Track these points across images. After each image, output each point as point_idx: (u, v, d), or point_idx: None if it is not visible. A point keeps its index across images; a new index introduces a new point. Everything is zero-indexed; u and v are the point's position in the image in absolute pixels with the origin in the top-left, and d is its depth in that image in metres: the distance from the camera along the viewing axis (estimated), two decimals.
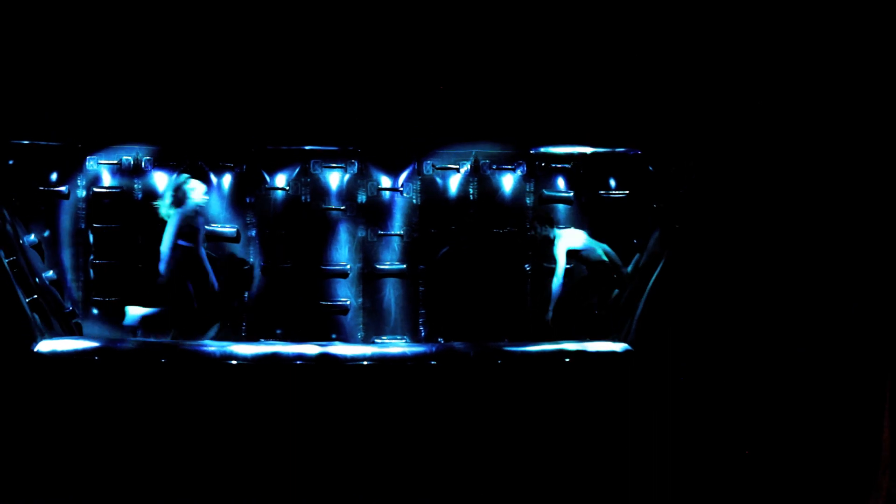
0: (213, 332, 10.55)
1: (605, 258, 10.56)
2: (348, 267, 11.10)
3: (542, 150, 11.10)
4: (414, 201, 11.12)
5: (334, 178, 11.10)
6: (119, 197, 10.86)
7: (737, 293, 8.93)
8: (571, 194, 11.15)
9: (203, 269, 10.23)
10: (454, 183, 11.16)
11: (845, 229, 8.27)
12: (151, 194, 10.80)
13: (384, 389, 8.76)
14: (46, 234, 10.65)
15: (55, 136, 10.43)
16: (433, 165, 11.14)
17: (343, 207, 11.08)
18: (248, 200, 11.02)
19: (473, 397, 8.74)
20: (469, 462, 8.47)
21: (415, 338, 11.00)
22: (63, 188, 10.73)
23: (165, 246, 9.91)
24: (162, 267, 9.92)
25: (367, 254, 11.12)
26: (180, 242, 9.99)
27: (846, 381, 8.00)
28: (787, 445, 8.32)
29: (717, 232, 9.22)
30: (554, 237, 10.56)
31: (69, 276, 10.78)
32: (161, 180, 10.85)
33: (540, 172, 11.23)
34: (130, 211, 10.87)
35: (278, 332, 10.82)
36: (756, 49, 9.05)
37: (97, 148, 10.84)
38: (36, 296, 9.64)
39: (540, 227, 10.63)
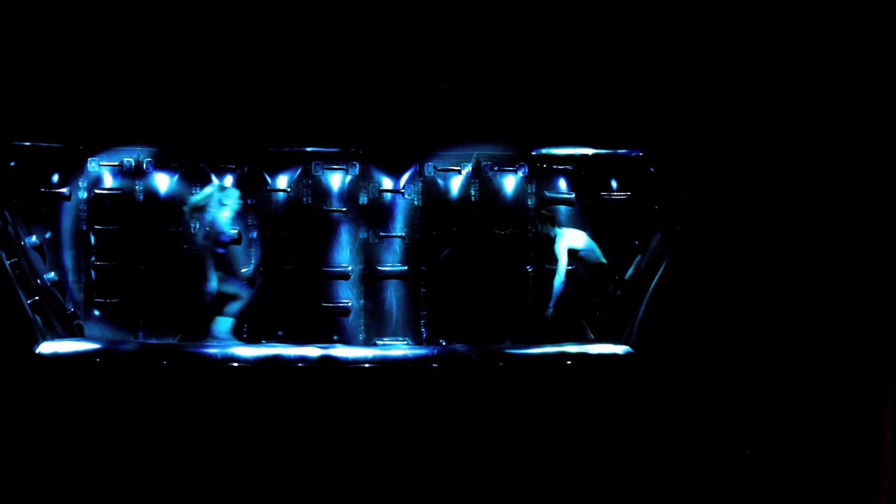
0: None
1: (604, 260, 10.55)
2: (350, 269, 11.10)
3: (544, 151, 11.10)
4: (415, 203, 11.12)
5: (336, 180, 11.10)
6: (120, 198, 10.87)
7: (738, 294, 8.92)
8: (573, 196, 11.15)
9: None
10: (456, 184, 11.17)
11: (845, 230, 8.28)
12: (153, 196, 10.82)
13: (386, 392, 8.75)
14: (48, 235, 10.66)
15: (57, 137, 10.43)
16: (434, 167, 11.14)
17: (344, 209, 11.09)
18: (249, 202, 11.02)
19: (475, 400, 8.73)
20: (471, 464, 8.46)
21: (416, 339, 11.00)
22: (64, 190, 10.74)
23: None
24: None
25: (368, 255, 11.13)
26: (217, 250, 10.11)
27: (846, 381, 8.01)
28: (787, 446, 8.32)
29: (718, 233, 9.21)
30: (555, 236, 10.55)
31: (70, 277, 10.79)
32: (162, 182, 10.86)
33: (541, 174, 11.23)
34: (132, 212, 10.87)
35: (280, 333, 10.81)
36: (757, 50, 9.05)
37: (98, 149, 10.86)
38: (37, 297, 9.64)
39: (541, 226, 10.63)
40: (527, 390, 8.82)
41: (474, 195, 11.15)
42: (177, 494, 8.20)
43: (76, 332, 10.44)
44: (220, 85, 10.00)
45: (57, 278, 10.56)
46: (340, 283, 11.02)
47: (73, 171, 10.80)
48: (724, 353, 8.77)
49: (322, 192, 11.10)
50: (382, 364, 9.00)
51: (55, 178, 10.75)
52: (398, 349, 9.91)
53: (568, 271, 10.81)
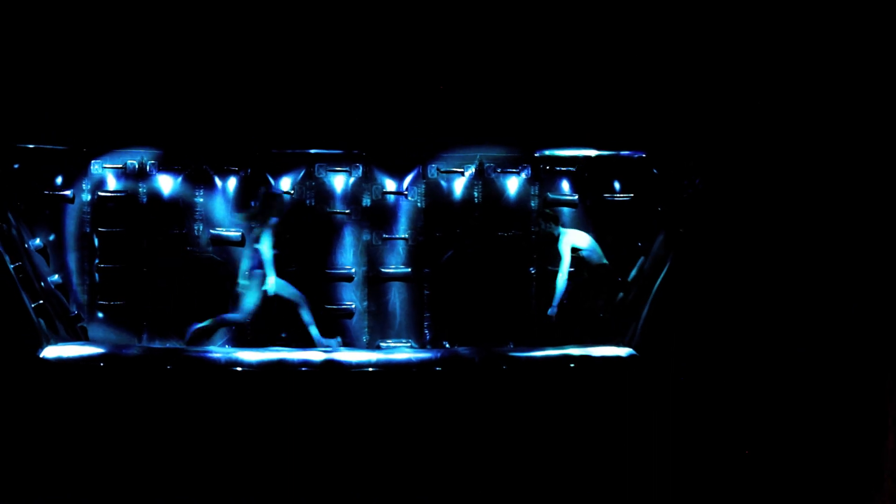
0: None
1: (605, 261, 10.54)
2: (353, 271, 11.10)
3: (547, 153, 11.09)
4: (419, 205, 11.12)
5: (339, 182, 11.10)
6: (124, 201, 10.87)
7: (740, 296, 8.94)
8: (576, 197, 11.12)
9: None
10: (459, 186, 11.16)
11: (845, 230, 8.29)
12: (156, 198, 10.83)
13: (389, 395, 8.77)
14: (51, 238, 10.67)
15: (60, 139, 10.44)
16: (438, 169, 11.14)
17: (348, 211, 11.08)
18: (252, 204, 10.99)
19: (479, 403, 8.75)
20: (475, 466, 8.49)
21: (420, 341, 10.99)
22: (68, 192, 10.75)
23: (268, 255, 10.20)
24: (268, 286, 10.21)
25: (371, 257, 11.12)
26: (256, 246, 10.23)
27: (848, 381, 8.04)
28: (791, 447, 8.35)
29: (721, 235, 9.22)
30: (558, 234, 10.52)
31: (74, 280, 10.80)
32: (166, 184, 10.87)
33: (544, 175, 11.21)
34: (135, 215, 10.88)
35: (283, 335, 10.81)
36: (760, 53, 9.05)
37: (102, 152, 10.87)
38: (41, 301, 9.66)
39: (545, 224, 10.61)
40: (530, 393, 8.86)
41: (477, 197, 11.15)
42: (181, 498, 8.24)
43: (80, 335, 10.45)
44: (223, 87, 10.00)
45: (61, 281, 10.57)
46: (344, 286, 11.03)
47: (76, 173, 10.81)
48: (726, 354, 8.80)
49: (325, 194, 11.10)
50: (386, 368, 9.02)
51: (59, 180, 10.75)
52: (402, 353, 9.90)
53: (570, 273, 10.83)
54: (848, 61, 8.47)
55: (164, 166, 10.95)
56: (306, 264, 11.02)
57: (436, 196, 11.16)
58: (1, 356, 8.71)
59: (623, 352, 9.43)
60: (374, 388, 8.84)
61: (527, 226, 11.11)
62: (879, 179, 8.07)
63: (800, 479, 8.19)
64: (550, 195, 11.10)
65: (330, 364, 8.99)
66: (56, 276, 10.52)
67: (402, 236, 11.13)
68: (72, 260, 10.79)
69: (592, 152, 10.99)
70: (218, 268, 10.93)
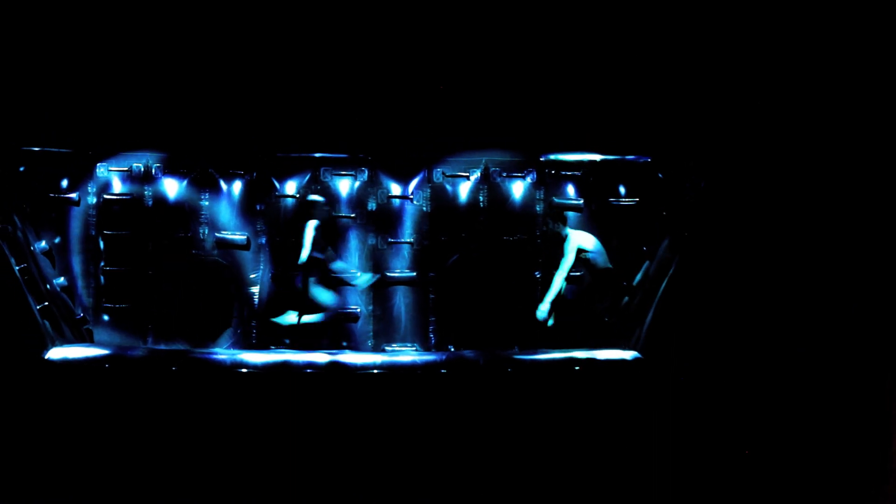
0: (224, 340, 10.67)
1: (610, 265, 10.51)
2: (358, 275, 11.09)
3: (552, 157, 11.09)
4: (424, 209, 11.11)
5: (344, 186, 11.10)
6: (129, 204, 10.86)
7: (744, 298, 8.95)
8: (581, 202, 11.10)
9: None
10: (464, 190, 11.15)
11: (846, 231, 8.32)
12: (162, 201, 10.84)
13: (394, 398, 8.77)
14: (57, 240, 10.65)
15: (66, 142, 10.43)
16: (443, 173, 11.14)
17: (353, 215, 11.08)
18: (258, 208, 11.03)
19: (483, 405, 8.74)
20: (479, 469, 8.48)
21: (425, 345, 10.98)
22: (73, 195, 10.73)
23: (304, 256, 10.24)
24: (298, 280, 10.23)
25: (377, 261, 11.11)
26: (314, 254, 10.19)
27: (850, 382, 8.07)
28: (795, 449, 8.35)
29: (725, 238, 9.23)
30: (566, 235, 10.49)
31: (80, 282, 10.79)
32: (171, 187, 10.88)
33: (550, 180, 11.20)
34: (141, 218, 10.88)
35: (286, 341, 10.81)
36: (765, 58, 9.06)
37: (107, 155, 10.85)
38: (47, 303, 9.67)
39: (553, 224, 10.57)
40: (535, 396, 8.85)
41: (483, 201, 11.14)
42: (186, 499, 8.23)
43: (85, 338, 10.45)
44: (228, 90, 10.01)
45: (66, 283, 10.57)
46: (349, 289, 11.02)
47: (82, 176, 10.80)
48: (730, 356, 8.81)
49: (331, 197, 11.09)
50: (391, 370, 9.02)
51: (64, 183, 10.74)
52: (406, 355, 9.91)
53: (576, 277, 10.83)
54: (848, 63, 8.51)
55: (170, 169, 10.94)
56: (311, 268, 11.00)
57: (441, 200, 11.15)
58: (7, 357, 8.72)
59: (628, 355, 9.43)
60: (378, 390, 8.83)
61: (532, 230, 11.10)
62: (879, 180, 8.10)
63: (803, 480, 8.19)
64: (556, 199, 11.09)
65: (335, 366, 8.99)
66: (61, 279, 10.51)
67: (408, 240, 11.13)
68: (77, 263, 10.78)
69: (597, 157, 10.99)
70: (223, 271, 10.92)
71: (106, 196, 10.84)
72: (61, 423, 8.49)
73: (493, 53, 9.84)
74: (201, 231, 10.95)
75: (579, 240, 10.38)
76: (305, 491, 8.34)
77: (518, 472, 8.48)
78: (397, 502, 8.33)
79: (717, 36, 9.27)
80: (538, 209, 11.15)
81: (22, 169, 10.28)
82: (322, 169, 11.07)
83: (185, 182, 10.93)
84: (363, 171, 11.10)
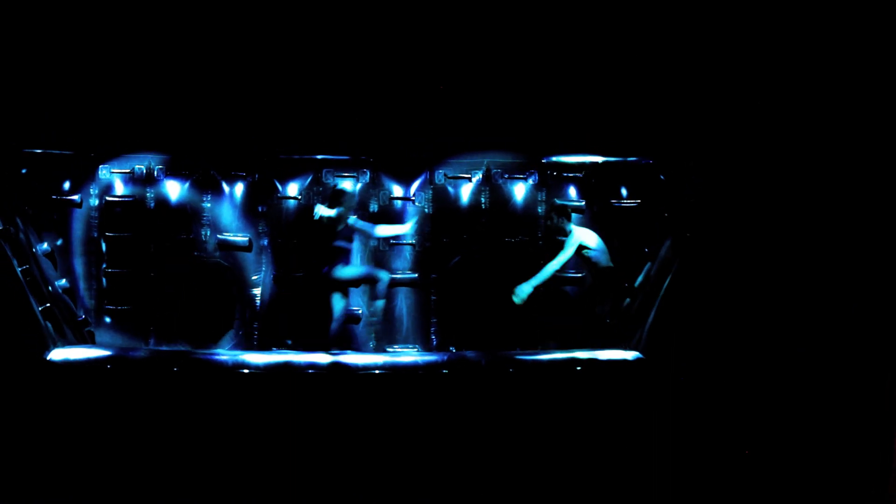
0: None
1: (611, 264, 10.47)
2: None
3: (554, 159, 11.11)
4: (426, 210, 11.12)
5: (346, 188, 11.06)
6: (131, 206, 10.89)
7: (746, 300, 8.94)
8: (583, 203, 11.12)
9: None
10: (466, 192, 11.17)
11: (847, 231, 8.33)
12: (164, 203, 10.86)
13: (396, 398, 8.76)
14: (59, 242, 10.68)
15: (68, 144, 10.46)
16: (445, 174, 11.15)
17: (355, 216, 11.04)
18: (260, 209, 11.05)
19: (485, 406, 8.73)
20: (481, 470, 8.46)
21: (427, 346, 10.99)
22: (76, 197, 10.76)
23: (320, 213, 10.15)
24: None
25: (379, 263, 11.10)
26: (338, 244, 10.15)
27: (852, 383, 8.09)
28: (797, 449, 8.35)
29: (726, 239, 9.23)
30: (569, 231, 10.44)
31: (82, 284, 10.81)
32: (173, 189, 10.89)
33: (551, 181, 11.22)
34: (143, 219, 10.90)
35: (288, 342, 10.81)
36: (768, 62, 9.07)
37: (109, 157, 10.88)
38: (49, 304, 9.66)
39: (557, 218, 10.51)
40: (537, 396, 8.83)
41: (484, 203, 11.15)
42: (188, 500, 8.21)
43: (87, 339, 10.45)
44: (231, 92, 10.03)
45: (68, 285, 10.59)
46: (351, 291, 11.02)
47: (84, 178, 10.83)
48: (732, 357, 8.80)
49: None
50: (393, 371, 9.01)
51: (66, 185, 10.77)
52: (408, 356, 9.90)
53: (577, 278, 10.83)
54: (848, 64, 8.53)
55: (172, 171, 10.97)
56: (313, 270, 11.00)
57: (443, 202, 11.16)
58: (8, 358, 8.71)
59: (629, 355, 9.42)
60: (380, 391, 8.82)
61: (534, 231, 11.11)
62: (879, 181, 8.11)
63: (804, 480, 8.18)
64: (557, 201, 11.09)
65: (336, 366, 8.98)
66: (63, 281, 10.53)
67: (409, 242, 11.14)
68: (79, 264, 10.81)
69: (599, 159, 11.00)
70: (225, 273, 10.94)
71: (108, 198, 10.86)
72: (63, 425, 8.47)
73: (495, 55, 9.85)
74: (203, 233, 10.97)
75: (582, 236, 10.31)
76: (308, 492, 8.32)
77: (520, 472, 8.45)
78: (399, 503, 8.32)
79: (718, 39, 9.28)
80: (540, 211, 11.15)
81: (24, 171, 10.31)
82: (324, 170, 11.10)
83: (186, 184, 10.96)
84: (365, 172, 11.12)
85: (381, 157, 11.08)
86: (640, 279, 10.57)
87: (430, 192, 11.12)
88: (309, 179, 11.09)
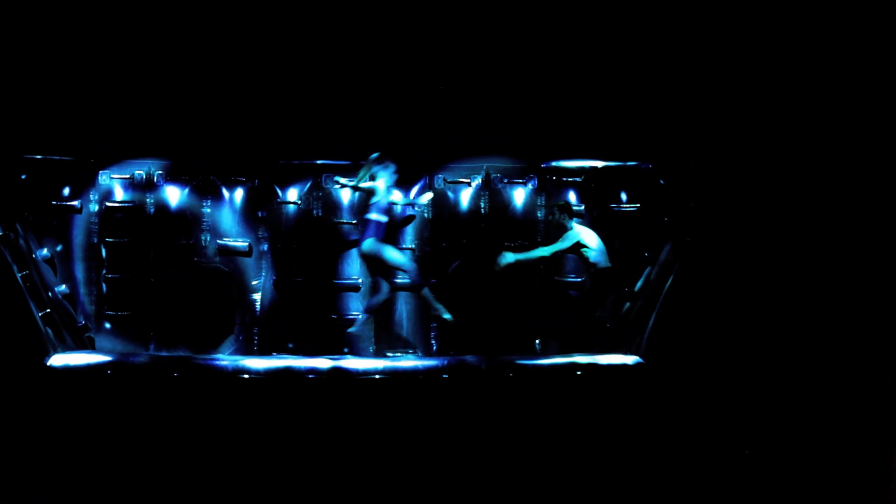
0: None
1: (611, 265, 10.43)
2: (360, 281, 11.10)
3: (554, 164, 11.10)
4: (425, 215, 11.11)
5: (346, 193, 11.09)
6: (131, 211, 10.88)
7: (747, 304, 8.94)
8: (583, 208, 11.11)
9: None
10: (465, 197, 11.16)
11: (847, 232, 8.34)
12: (164, 208, 10.86)
13: (396, 403, 8.75)
14: (59, 248, 10.69)
15: (67, 150, 10.46)
16: (444, 179, 11.14)
17: (355, 221, 11.07)
18: (259, 214, 11.06)
19: (485, 410, 8.73)
20: (481, 474, 8.45)
21: (426, 351, 10.97)
22: (75, 203, 10.76)
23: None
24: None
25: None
26: (372, 216, 10.23)
27: (853, 383, 8.10)
28: (798, 453, 8.35)
29: (727, 243, 9.23)
30: (570, 228, 10.41)
31: (82, 290, 10.81)
32: (173, 194, 10.90)
33: (551, 186, 11.20)
34: (143, 225, 10.90)
35: (290, 346, 10.81)
36: (770, 67, 9.08)
37: (109, 162, 10.88)
38: (49, 310, 9.66)
39: (558, 214, 10.48)
40: (537, 401, 8.82)
41: (484, 207, 11.15)
42: None
43: (87, 345, 10.46)
44: (230, 98, 10.04)
45: (68, 291, 10.59)
46: (351, 296, 11.03)
47: (84, 183, 10.82)
48: (733, 361, 8.78)
49: (332, 204, 11.12)
50: (393, 375, 9.00)
51: (66, 191, 10.77)
52: (408, 360, 9.90)
53: (577, 283, 10.84)
54: (848, 65, 8.55)
55: (172, 177, 10.96)
56: (313, 274, 11.02)
57: (442, 206, 11.15)
58: (8, 364, 8.71)
59: (630, 360, 9.41)
60: (380, 395, 8.81)
61: (533, 236, 11.09)
62: (878, 181, 8.12)
63: (805, 484, 8.18)
64: (560, 201, 11.06)
65: (337, 371, 8.98)
66: (63, 286, 10.53)
67: (409, 247, 11.11)
68: (79, 270, 10.81)
69: (599, 163, 10.98)
70: (225, 278, 10.93)
71: (108, 203, 10.86)
72: (63, 430, 8.46)
73: (495, 61, 9.86)
74: (203, 238, 10.97)
75: (582, 234, 10.26)
76: (308, 496, 8.32)
77: (520, 477, 8.44)
78: None
79: (717, 44, 9.29)
80: (539, 216, 11.14)
81: (24, 177, 10.32)
82: (324, 175, 11.08)
83: (186, 189, 10.95)
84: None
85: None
86: (640, 283, 10.57)
87: (430, 196, 11.10)
88: (309, 184, 11.08)
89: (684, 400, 8.71)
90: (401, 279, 10.72)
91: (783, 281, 8.81)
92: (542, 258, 10.35)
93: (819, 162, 8.71)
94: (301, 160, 10.99)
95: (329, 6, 9.54)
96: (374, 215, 10.23)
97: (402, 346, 11.02)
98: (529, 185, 11.19)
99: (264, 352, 10.72)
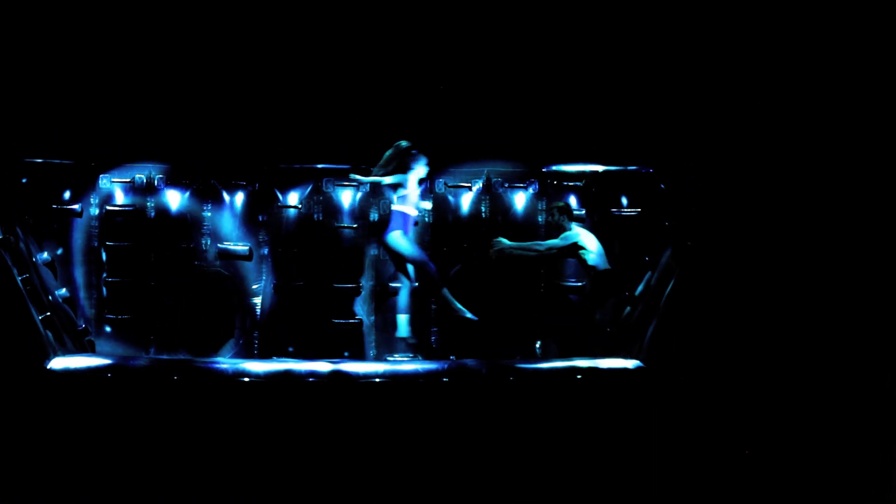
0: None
1: (609, 266, 10.39)
2: (360, 285, 11.08)
3: (554, 168, 11.09)
4: (426, 219, 11.09)
5: (346, 196, 11.10)
6: (132, 215, 10.88)
7: (748, 308, 8.94)
8: (583, 212, 11.10)
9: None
10: (466, 201, 11.15)
11: (847, 232, 8.35)
12: (164, 212, 10.86)
13: (396, 406, 8.74)
14: (59, 252, 10.68)
15: (68, 154, 10.48)
16: (445, 183, 11.14)
17: (355, 225, 11.07)
18: (260, 219, 11.05)
19: (486, 414, 8.71)
20: (481, 478, 8.44)
21: (427, 355, 10.95)
22: (76, 206, 10.76)
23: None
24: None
25: (379, 271, 11.09)
26: (397, 210, 10.06)
27: (851, 382, 8.09)
28: (798, 459, 8.34)
29: (728, 247, 9.22)
30: (569, 229, 10.38)
31: (82, 293, 10.80)
32: (174, 198, 10.89)
33: (552, 190, 11.19)
34: (143, 229, 10.90)
35: (290, 349, 10.80)
36: (768, 71, 9.09)
37: (110, 166, 10.87)
38: (49, 314, 9.64)
39: (557, 215, 10.45)
40: (537, 405, 8.80)
41: (485, 211, 11.14)
42: None
43: (87, 348, 10.43)
44: (231, 102, 10.06)
45: (68, 294, 10.58)
46: (351, 299, 11.02)
47: (84, 187, 10.82)
48: (734, 366, 8.77)
49: (333, 208, 11.11)
50: (393, 379, 8.99)
51: (67, 194, 10.76)
52: (409, 364, 9.88)
53: (577, 287, 10.83)
54: (848, 66, 8.56)
55: (172, 181, 10.96)
56: (314, 278, 11.01)
57: (443, 210, 11.15)
58: (8, 367, 8.69)
59: (630, 364, 9.39)
60: (381, 399, 8.80)
61: (534, 240, 11.06)
62: (878, 182, 8.13)
63: (806, 486, 8.18)
64: (560, 203, 11.05)
65: (337, 375, 8.96)
66: (64, 290, 10.53)
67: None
68: (79, 274, 10.80)
69: (600, 167, 10.98)
70: (225, 282, 10.92)
71: (108, 207, 10.86)
72: (63, 434, 8.45)
73: (496, 65, 9.88)
74: (203, 242, 10.97)
75: (581, 236, 10.20)
76: (308, 500, 8.32)
77: (521, 481, 8.44)
78: None
79: (719, 48, 9.30)
80: (540, 220, 11.13)
81: (24, 181, 10.32)
82: (324, 179, 11.07)
83: (187, 193, 10.95)
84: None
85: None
86: (640, 288, 10.54)
87: (431, 200, 11.09)
88: (309, 188, 11.07)
89: (685, 404, 8.70)
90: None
91: (784, 282, 8.81)
92: (537, 251, 10.30)
93: (819, 166, 8.72)
94: (302, 164, 10.98)
95: (328, 10, 9.55)
96: (401, 207, 10.04)
97: (403, 349, 11.01)
98: (530, 190, 11.18)
99: (265, 355, 10.72)
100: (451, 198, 11.15)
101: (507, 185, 11.18)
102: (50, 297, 9.99)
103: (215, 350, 10.69)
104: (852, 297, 8.34)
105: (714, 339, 8.93)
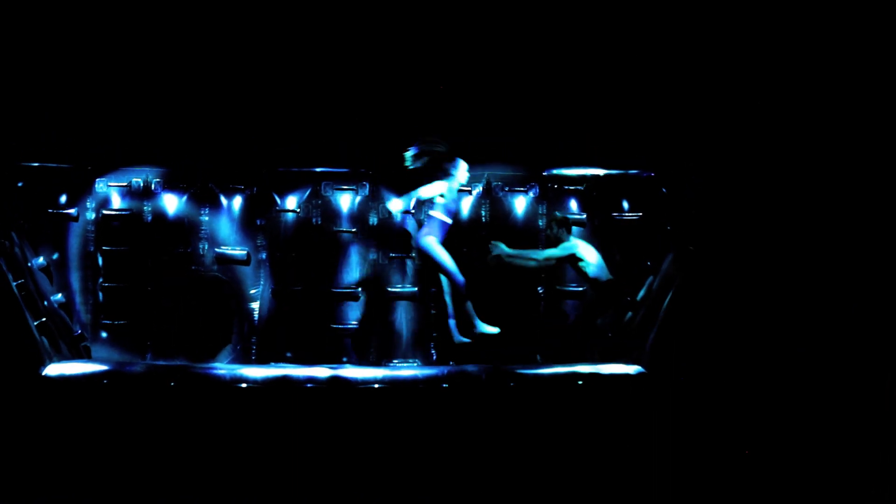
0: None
1: (611, 278, 10.34)
2: (359, 290, 11.03)
3: (555, 172, 11.04)
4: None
5: (345, 200, 11.05)
6: (129, 219, 10.82)
7: (749, 313, 8.92)
8: (584, 216, 11.05)
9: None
10: (466, 205, 11.09)
11: (847, 233, 8.35)
12: (161, 217, 10.80)
13: (396, 412, 8.70)
14: (55, 256, 10.63)
15: (64, 158, 10.43)
16: None
17: (354, 230, 11.02)
18: (258, 223, 10.99)
19: (486, 420, 8.68)
20: (481, 484, 8.41)
21: (426, 360, 10.90)
22: (72, 210, 10.69)
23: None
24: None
25: (378, 276, 11.04)
26: (439, 220, 9.84)
27: (851, 382, 8.09)
28: (799, 461, 8.32)
29: (730, 252, 9.22)
30: (567, 241, 10.32)
31: (78, 299, 10.74)
32: (171, 203, 10.84)
33: (552, 194, 11.14)
34: (140, 233, 10.83)
35: (288, 355, 10.75)
36: (769, 74, 9.08)
37: (107, 170, 10.80)
38: (44, 319, 9.63)
39: (556, 228, 10.41)
40: (538, 410, 8.78)
41: (485, 215, 11.09)
42: None
43: (83, 354, 10.41)
44: (228, 105, 10.03)
45: (64, 300, 10.53)
46: (350, 304, 10.96)
47: (80, 191, 10.75)
48: (735, 371, 8.77)
49: (331, 212, 11.05)
50: (392, 384, 8.95)
51: (63, 198, 10.69)
52: (408, 370, 9.84)
53: (578, 292, 10.78)
54: (848, 67, 8.55)
55: (169, 185, 10.89)
56: (312, 283, 10.96)
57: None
58: (3, 374, 8.67)
59: (632, 369, 9.36)
60: (380, 404, 8.77)
61: (534, 244, 11.01)
62: (878, 182, 8.12)
63: (806, 487, 8.14)
64: (559, 213, 11.02)
65: (336, 380, 8.93)
66: (59, 295, 10.48)
67: (409, 255, 11.05)
68: (75, 279, 10.74)
69: (601, 171, 10.93)
70: (223, 287, 10.87)
71: (105, 212, 10.79)
72: (59, 440, 8.43)
73: (497, 69, 9.86)
74: (201, 246, 10.90)
75: (579, 248, 10.17)
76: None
77: (521, 486, 8.41)
78: None
79: (722, 51, 9.29)
80: (541, 224, 11.08)
81: (20, 185, 10.27)
82: (323, 183, 11.02)
83: (184, 197, 10.89)
84: (364, 185, 11.04)
85: (380, 169, 10.99)
86: (642, 293, 10.51)
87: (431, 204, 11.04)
88: (308, 192, 11.02)
89: (686, 409, 8.68)
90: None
91: (784, 283, 8.80)
92: (535, 260, 10.24)
93: (820, 168, 8.73)
94: (300, 168, 10.92)
95: (327, 12, 9.52)
96: (438, 213, 9.85)
97: (402, 355, 10.96)
98: (530, 194, 11.12)
99: (262, 361, 10.66)
100: None
101: (507, 188, 11.12)
102: (45, 303, 9.97)
103: (213, 355, 10.64)
104: (852, 298, 8.32)
105: (716, 344, 8.90)
